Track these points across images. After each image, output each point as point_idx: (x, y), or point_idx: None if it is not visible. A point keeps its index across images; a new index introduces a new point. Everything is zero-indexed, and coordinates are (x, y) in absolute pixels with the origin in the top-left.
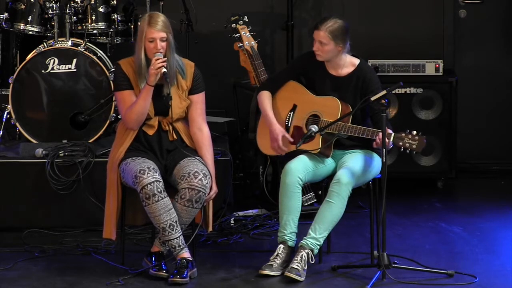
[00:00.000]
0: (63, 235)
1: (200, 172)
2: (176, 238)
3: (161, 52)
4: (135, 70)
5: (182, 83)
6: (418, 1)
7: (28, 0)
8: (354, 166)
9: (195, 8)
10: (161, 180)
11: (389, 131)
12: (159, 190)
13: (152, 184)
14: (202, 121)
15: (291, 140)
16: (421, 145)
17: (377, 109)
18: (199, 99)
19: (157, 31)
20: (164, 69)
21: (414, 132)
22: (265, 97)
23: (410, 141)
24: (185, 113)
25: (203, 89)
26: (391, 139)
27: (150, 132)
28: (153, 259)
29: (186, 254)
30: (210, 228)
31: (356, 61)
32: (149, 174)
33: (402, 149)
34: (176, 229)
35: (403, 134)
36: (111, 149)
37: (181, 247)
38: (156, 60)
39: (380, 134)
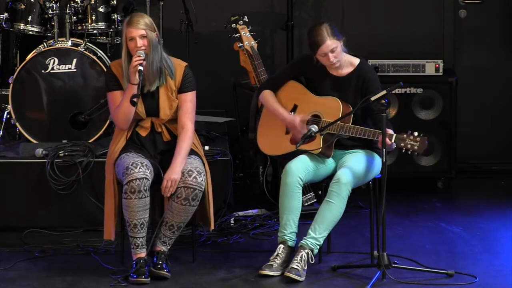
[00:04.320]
0: (63, 235)
1: (194, 170)
2: (142, 237)
3: (142, 50)
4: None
5: (170, 83)
6: (418, 1)
7: (28, 0)
8: (354, 166)
9: (195, 8)
10: (150, 179)
11: (391, 131)
12: (145, 188)
13: (141, 180)
14: (187, 120)
15: (309, 118)
16: (422, 146)
17: (376, 109)
18: (187, 98)
19: (135, 29)
20: (140, 67)
21: (416, 133)
22: (269, 96)
23: (411, 142)
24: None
25: (193, 89)
26: (393, 140)
27: (143, 133)
28: (155, 259)
29: (144, 253)
30: (212, 227)
31: (356, 60)
32: (140, 169)
33: (403, 150)
34: (144, 229)
35: (405, 135)
36: (108, 150)
37: (143, 246)
38: (134, 58)
39: (380, 135)
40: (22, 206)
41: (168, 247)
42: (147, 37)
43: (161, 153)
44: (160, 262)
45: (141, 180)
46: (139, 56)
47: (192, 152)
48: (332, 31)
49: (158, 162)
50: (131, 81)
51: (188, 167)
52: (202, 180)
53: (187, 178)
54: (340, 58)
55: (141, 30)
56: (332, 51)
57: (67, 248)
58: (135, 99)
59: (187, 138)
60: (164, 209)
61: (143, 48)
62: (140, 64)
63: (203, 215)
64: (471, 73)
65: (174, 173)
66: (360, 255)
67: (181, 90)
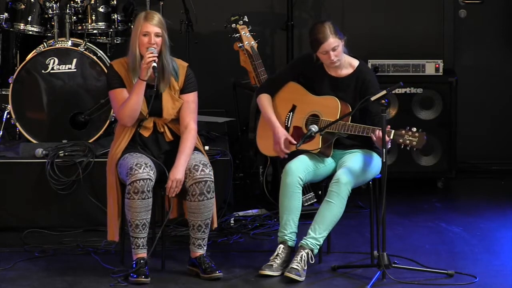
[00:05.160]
0: (63, 235)
1: (200, 164)
2: (143, 237)
3: (154, 47)
4: (127, 70)
5: (174, 83)
6: (418, 1)
7: (28, 0)
8: (354, 165)
9: (195, 8)
10: (153, 180)
11: (388, 128)
12: (148, 188)
13: (145, 181)
14: (191, 120)
15: (294, 142)
16: (421, 141)
17: (374, 111)
18: (190, 98)
19: (152, 26)
20: (154, 64)
21: (414, 129)
22: (265, 101)
23: (410, 138)
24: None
25: (195, 89)
26: (391, 136)
27: (146, 134)
28: (195, 263)
29: (144, 254)
30: (215, 225)
31: (355, 62)
32: (144, 170)
33: (402, 146)
34: (146, 229)
35: (403, 131)
36: (109, 151)
37: (144, 247)
38: (148, 54)
39: (377, 131)
40: (22, 206)
41: (205, 248)
42: (162, 36)
43: (164, 153)
44: (207, 266)
45: (145, 180)
46: (152, 52)
47: (194, 149)
48: (334, 30)
49: (161, 162)
50: (142, 76)
51: (193, 163)
52: (210, 171)
53: (194, 173)
54: (341, 58)
55: (158, 28)
56: (334, 49)
57: (67, 248)
58: (152, 95)
59: (191, 137)
60: (165, 210)
61: (155, 46)
62: (154, 61)
63: None
64: (471, 73)
65: (178, 173)
66: (360, 255)
67: (184, 90)
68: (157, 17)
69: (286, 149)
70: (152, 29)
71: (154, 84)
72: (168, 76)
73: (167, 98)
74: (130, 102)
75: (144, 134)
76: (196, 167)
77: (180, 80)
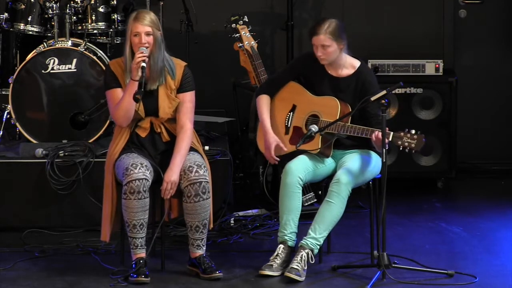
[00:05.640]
0: (63, 235)
1: (194, 165)
2: (141, 237)
3: (146, 47)
4: (123, 70)
5: (170, 82)
6: (418, 1)
7: (28, 0)
8: (354, 166)
9: (195, 8)
10: (150, 180)
11: (386, 130)
12: (144, 188)
13: (141, 181)
14: (186, 120)
15: (285, 149)
16: (420, 144)
17: (373, 113)
18: (186, 98)
19: (142, 26)
20: (143, 64)
21: (413, 131)
22: (263, 102)
23: (409, 140)
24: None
25: (192, 88)
26: (390, 138)
27: (143, 134)
28: (195, 263)
29: (143, 254)
30: (211, 225)
31: (357, 63)
32: (140, 170)
33: (401, 148)
34: (144, 229)
35: (402, 133)
36: (107, 151)
37: (143, 246)
38: (137, 54)
39: (377, 132)
40: (22, 206)
41: (204, 248)
42: (153, 34)
43: (161, 154)
44: (206, 266)
45: (141, 180)
46: (142, 52)
47: (191, 149)
48: (333, 30)
49: (158, 163)
50: (133, 77)
51: (187, 164)
52: (204, 172)
53: (189, 174)
54: (330, 58)
55: (147, 27)
56: (323, 47)
57: (67, 248)
58: (138, 96)
59: (186, 137)
60: (165, 210)
61: (146, 45)
62: (143, 61)
63: None
64: (471, 73)
65: (173, 175)
66: (360, 255)
67: (180, 89)
68: (147, 16)
69: (275, 157)
70: (142, 29)
71: (146, 84)
72: (157, 74)
73: (163, 97)
74: (123, 102)
75: (141, 135)
76: (191, 168)
77: (177, 79)
